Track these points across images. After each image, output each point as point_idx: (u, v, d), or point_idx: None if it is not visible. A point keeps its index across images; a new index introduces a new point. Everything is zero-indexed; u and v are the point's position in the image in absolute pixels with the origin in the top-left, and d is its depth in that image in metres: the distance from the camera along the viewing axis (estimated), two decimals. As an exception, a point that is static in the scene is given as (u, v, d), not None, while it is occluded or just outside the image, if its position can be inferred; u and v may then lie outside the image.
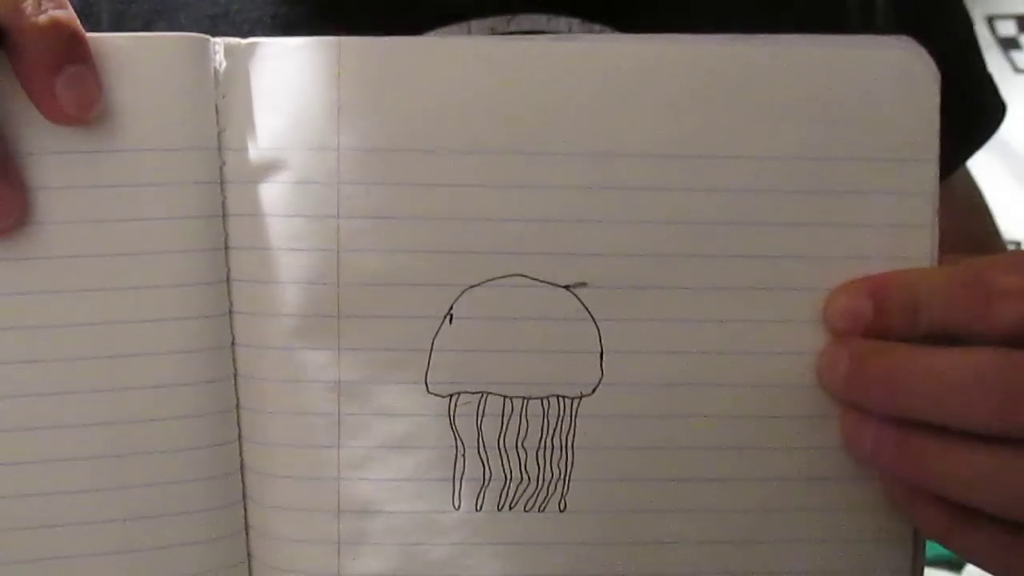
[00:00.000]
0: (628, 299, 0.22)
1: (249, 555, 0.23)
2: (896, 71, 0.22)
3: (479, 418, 0.22)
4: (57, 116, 0.20)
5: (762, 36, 0.22)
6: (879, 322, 0.21)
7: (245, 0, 0.29)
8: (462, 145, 0.21)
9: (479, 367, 0.22)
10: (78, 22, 0.20)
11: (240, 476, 0.23)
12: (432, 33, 0.28)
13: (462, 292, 0.22)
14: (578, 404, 0.22)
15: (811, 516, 0.23)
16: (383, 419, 0.22)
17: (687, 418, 0.22)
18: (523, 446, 0.22)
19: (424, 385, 0.22)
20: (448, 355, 0.22)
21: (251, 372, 0.22)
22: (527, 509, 0.23)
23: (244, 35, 0.28)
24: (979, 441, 0.19)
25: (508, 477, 0.22)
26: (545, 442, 0.22)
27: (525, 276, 0.22)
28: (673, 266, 0.22)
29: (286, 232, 0.21)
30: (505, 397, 0.22)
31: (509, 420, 0.22)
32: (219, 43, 0.22)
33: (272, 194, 0.22)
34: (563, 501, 0.23)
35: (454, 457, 0.22)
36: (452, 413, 0.22)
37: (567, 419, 0.22)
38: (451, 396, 0.22)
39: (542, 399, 0.22)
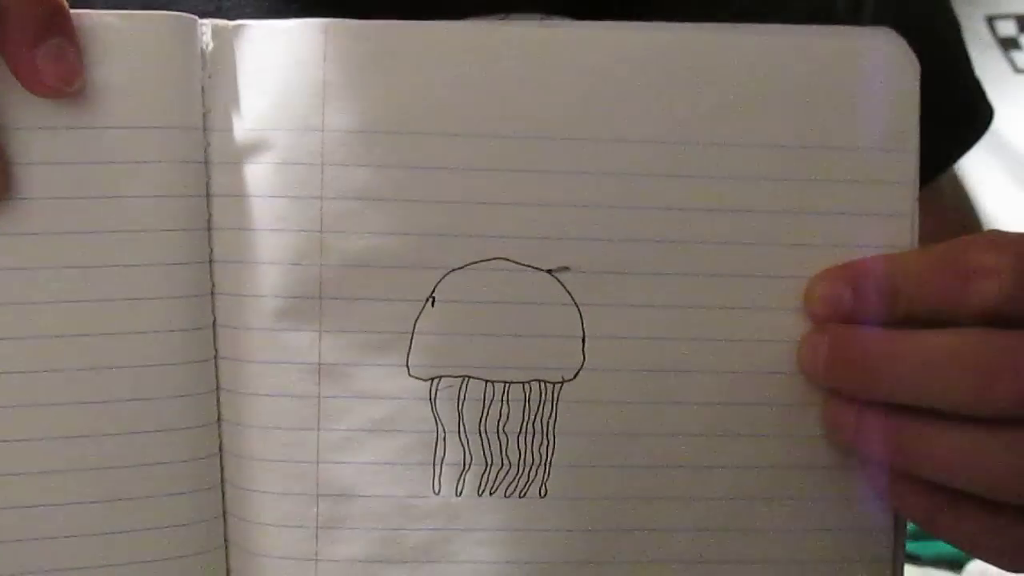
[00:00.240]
0: (611, 284, 0.22)
1: (226, 539, 0.23)
2: (877, 61, 0.22)
3: (460, 402, 0.22)
4: (38, 88, 0.20)
5: (746, 25, 0.22)
6: (859, 308, 0.21)
7: None
8: (446, 128, 0.21)
9: (461, 351, 0.22)
10: None
11: (219, 459, 0.22)
12: None
13: (444, 275, 0.22)
14: (560, 389, 0.22)
15: (792, 504, 0.23)
16: (363, 402, 0.22)
17: (669, 404, 0.22)
18: (504, 431, 0.22)
19: (405, 368, 0.22)
20: (430, 338, 0.22)
21: (232, 353, 0.22)
22: (508, 495, 0.22)
23: None
24: (959, 422, 0.19)
25: (489, 462, 0.22)
26: (526, 427, 0.22)
27: (508, 260, 0.22)
28: (656, 252, 0.22)
29: (270, 213, 0.21)
30: (486, 381, 0.22)
31: (490, 404, 0.22)
32: (206, 24, 0.22)
33: (256, 175, 0.22)
34: (544, 487, 0.22)
35: (434, 441, 0.22)
36: (433, 397, 0.22)
37: (548, 404, 0.22)
38: (432, 380, 0.22)
39: (524, 384, 0.22)
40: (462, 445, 0.22)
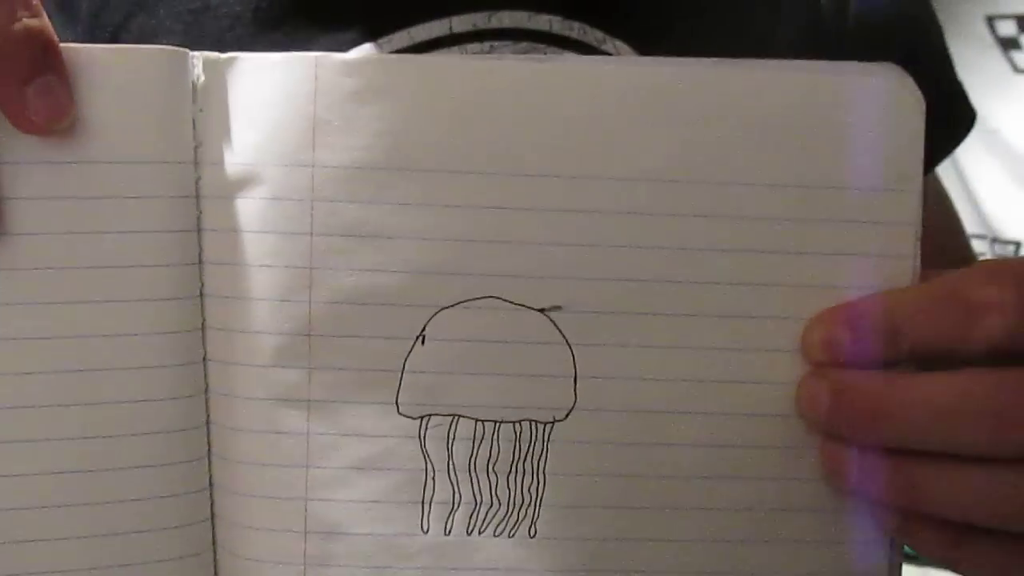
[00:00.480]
0: (604, 324, 0.22)
1: (216, 574, 0.23)
2: (881, 99, 0.21)
3: (450, 441, 0.22)
4: (27, 126, 0.19)
5: (747, 61, 0.22)
6: (858, 350, 0.20)
7: None
8: (438, 165, 0.21)
9: (451, 389, 0.22)
10: (52, 31, 0.19)
11: (209, 494, 0.22)
12: (414, 29, 0.27)
13: (435, 313, 0.21)
14: (551, 429, 0.22)
15: (787, 546, 0.23)
16: (353, 440, 0.22)
17: (661, 446, 0.22)
18: (494, 470, 0.22)
19: (395, 406, 0.22)
20: (420, 376, 0.22)
21: (222, 388, 0.22)
22: (497, 534, 0.22)
23: (225, 30, 0.28)
24: (972, 461, 0.19)
25: (478, 501, 0.22)
26: (516, 466, 0.22)
27: (500, 298, 0.21)
28: (650, 291, 0.22)
29: (259, 248, 0.21)
30: (477, 420, 0.22)
31: (480, 443, 0.22)
32: (197, 56, 0.22)
33: (247, 209, 0.21)
34: (533, 527, 0.22)
35: (424, 480, 0.22)
36: (423, 435, 0.22)
37: (539, 444, 0.22)
38: (422, 418, 0.22)
39: (514, 423, 0.22)
40: (451, 484, 0.22)
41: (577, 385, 0.22)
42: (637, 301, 0.22)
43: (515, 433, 0.22)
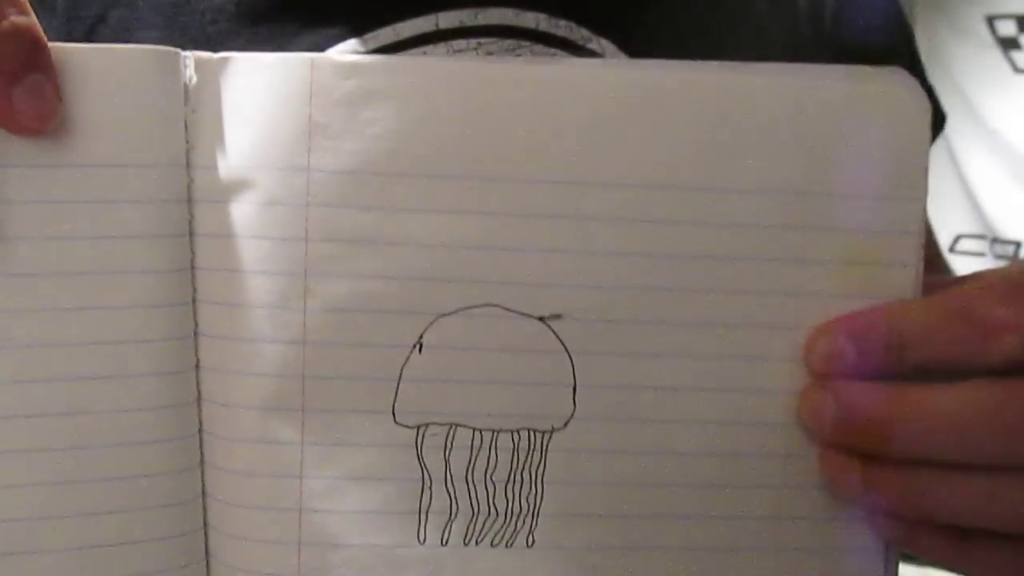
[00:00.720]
0: (603, 332, 0.21)
1: (209, 584, 0.22)
2: (887, 105, 0.21)
3: (447, 450, 0.22)
4: (14, 127, 0.19)
5: (750, 64, 0.22)
6: (862, 363, 0.20)
7: None
8: (436, 170, 0.21)
9: (449, 398, 0.21)
10: (40, 29, 0.19)
11: (202, 503, 0.22)
12: (400, 25, 0.27)
13: (433, 321, 0.21)
14: (549, 438, 0.22)
15: (784, 556, 0.22)
16: (348, 449, 0.21)
17: (660, 454, 0.22)
18: (492, 479, 0.22)
19: (391, 415, 0.21)
20: (417, 385, 0.21)
21: (215, 397, 0.22)
22: (494, 544, 0.22)
23: (207, 24, 0.27)
24: (979, 468, 0.19)
25: (475, 511, 0.22)
26: (514, 476, 0.22)
27: (499, 306, 0.21)
28: (650, 300, 0.21)
29: (253, 254, 0.21)
30: (475, 429, 0.21)
31: (478, 453, 0.22)
32: (189, 57, 0.21)
33: (240, 214, 0.21)
34: (531, 536, 0.22)
35: (420, 490, 0.22)
36: (419, 445, 0.21)
37: (538, 453, 0.22)
38: (419, 427, 0.21)
39: (512, 432, 0.22)
40: (448, 493, 0.22)
41: (576, 394, 0.21)
42: (636, 309, 0.21)
43: (513, 442, 0.22)
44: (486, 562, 0.22)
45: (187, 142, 0.21)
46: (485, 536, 0.22)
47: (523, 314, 0.21)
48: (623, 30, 0.28)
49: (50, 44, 0.19)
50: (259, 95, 0.21)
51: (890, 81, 0.21)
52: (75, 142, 0.20)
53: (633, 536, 0.22)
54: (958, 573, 0.21)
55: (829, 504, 0.22)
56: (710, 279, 0.21)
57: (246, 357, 0.21)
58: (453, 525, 0.22)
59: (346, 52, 0.27)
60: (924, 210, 0.21)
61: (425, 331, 0.21)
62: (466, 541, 0.22)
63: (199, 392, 0.22)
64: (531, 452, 0.22)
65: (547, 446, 0.22)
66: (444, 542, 0.22)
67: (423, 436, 0.21)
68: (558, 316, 0.21)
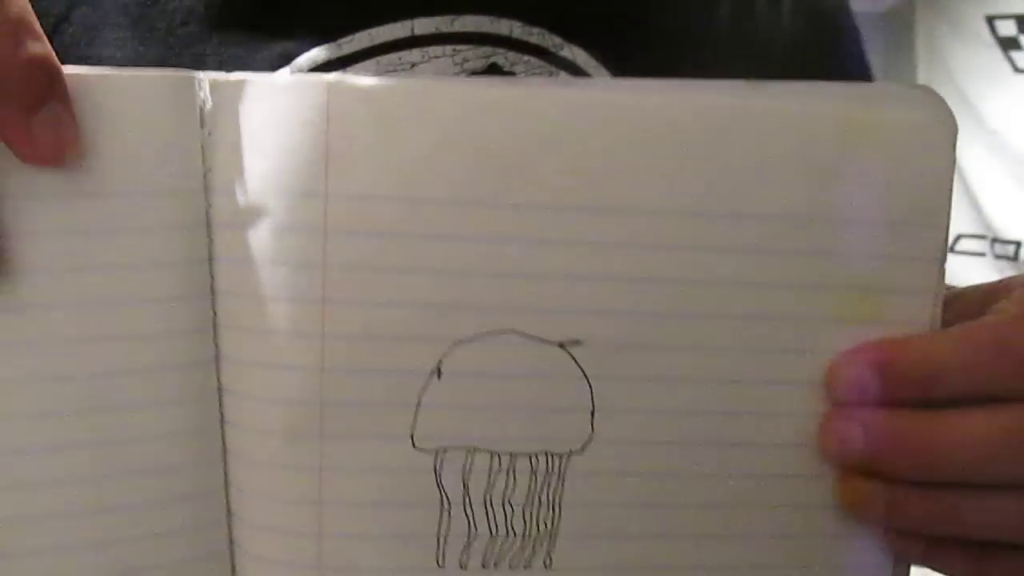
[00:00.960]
0: (622, 357, 0.21)
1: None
2: (912, 128, 0.21)
3: (465, 474, 0.22)
4: (32, 158, 0.19)
5: (769, 84, 0.21)
6: (889, 392, 0.20)
7: None
8: (454, 195, 0.21)
9: (467, 423, 0.21)
10: (55, 57, 0.19)
11: (228, 524, 0.22)
12: (375, 30, 0.27)
13: (451, 347, 0.21)
14: (567, 461, 0.22)
15: (795, 573, 0.23)
16: (367, 474, 0.21)
17: (677, 476, 0.22)
18: (510, 502, 0.22)
19: (410, 441, 0.21)
20: (435, 411, 0.21)
21: (237, 420, 0.22)
22: (512, 566, 0.22)
23: (176, 25, 0.26)
24: (1016, 489, 0.19)
25: (494, 533, 0.22)
26: (532, 498, 0.22)
27: (517, 332, 0.21)
28: (667, 325, 0.21)
29: (272, 280, 0.21)
30: (493, 453, 0.22)
31: (496, 476, 0.22)
32: (204, 80, 0.21)
33: (258, 239, 0.21)
34: (549, 558, 0.22)
35: (439, 513, 0.22)
36: (438, 469, 0.21)
37: (555, 476, 0.22)
38: (437, 452, 0.21)
39: (531, 456, 0.22)
40: (467, 517, 0.22)
41: (594, 418, 0.21)
42: (654, 334, 0.21)
43: (531, 465, 0.22)
44: None
45: (204, 166, 0.21)
46: (504, 558, 0.22)
47: (542, 340, 0.21)
48: (592, 37, 0.28)
49: (64, 70, 0.19)
50: (275, 119, 0.21)
51: (914, 101, 0.21)
52: (89, 170, 0.20)
53: (650, 556, 0.22)
54: None
55: (841, 522, 0.22)
56: (728, 305, 0.21)
57: (265, 383, 0.21)
58: (472, 548, 0.22)
59: (318, 58, 0.27)
60: (945, 237, 0.21)
61: (443, 357, 0.21)
62: (485, 564, 0.22)
63: (221, 415, 0.22)
64: (549, 475, 0.22)
65: (565, 469, 0.22)
66: (463, 565, 0.22)
67: (441, 460, 0.21)
68: (577, 342, 0.21)
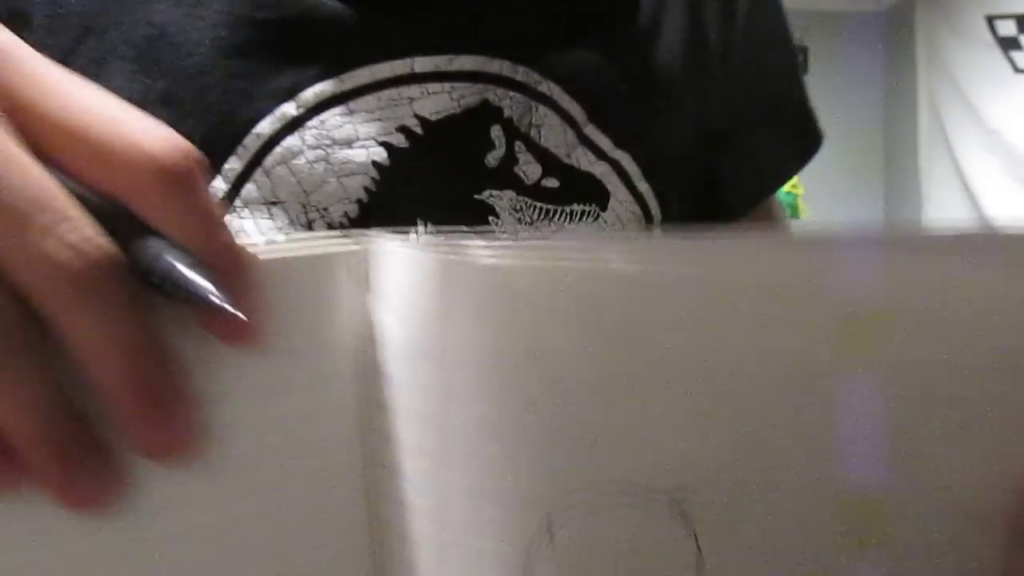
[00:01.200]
0: (729, 509, 0.22)
1: None
2: None
3: None
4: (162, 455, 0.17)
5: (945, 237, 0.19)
6: None
7: (184, 22, 0.27)
8: (566, 358, 0.22)
9: None
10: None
11: None
12: (376, 67, 0.27)
13: (558, 510, 0.22)
14: None
15: None
16: None
17: None
18: None
19: None
20: (544, 568, 0.23)
21: (407, 560, 0.23)
22: None
23: (182, 57, 0.27)
24: None
25: None
26: None
27: (624, 489, 0.22)
28: (779, 476, 0.22)
29: (411, 430, 0.22)
30: None
31: None
32: (368, 243, 0.22)
33: (398, 392, 0.22)
34: None
35: None
36: None
37: None
38: None
39: None
40: None
41: (702, 570, 0.23)
42: (763, 488, 0.22)
43: None
44: None
45: (366, 323, 0.22)
46: None
47: (648, 495, 0.22)
48: (562, 74, 0.30)
49: (257, 255, 0.18)
50: (410, 284, 0.22)
51: None
52: (277, 336, 0.21)
53: None
54: None
55: None
56: (847, 454, 0.22)
57: (403, 533, 0.22)
58: None
59: (323, 93, 0.27)
60: None
61: (551, 517, 0.22)
62: None
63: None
64: None
65: None
66: None
67: None
68: (684, 492, 0.22)
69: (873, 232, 0.20)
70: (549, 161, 0.30)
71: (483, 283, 0.22)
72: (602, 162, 0.31)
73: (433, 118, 0.28)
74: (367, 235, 0.22)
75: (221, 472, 0.20)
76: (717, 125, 0.34)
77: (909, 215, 2.25)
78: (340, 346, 0.22)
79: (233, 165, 0.26)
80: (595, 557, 0.22)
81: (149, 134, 0.14)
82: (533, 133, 0.30)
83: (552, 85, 0.30)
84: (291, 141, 0.27)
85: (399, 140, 0.28)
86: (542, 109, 0.29)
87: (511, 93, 0.29)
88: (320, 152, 0.27)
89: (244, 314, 0.18)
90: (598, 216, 0.31)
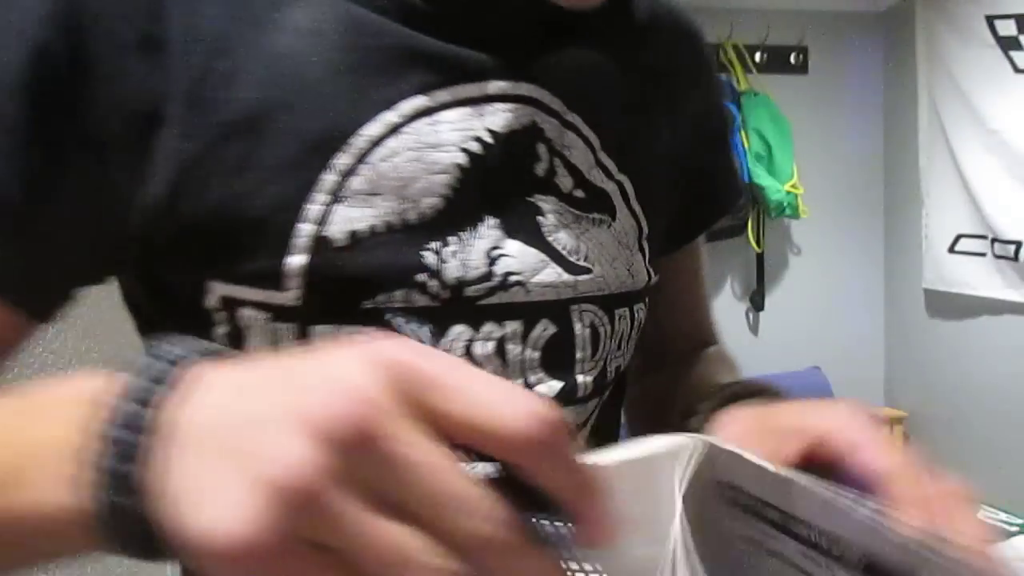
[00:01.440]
0: None
1: None
2: None
3: None
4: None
5: None
6: None
7: (305, 47, 0.31)
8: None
9: None
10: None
11: None
12: (458, 88, 0.33)
13: None
14: None
15: None
16: None
17: None
18: None
19: None
20: None
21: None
22: None
23: (304, 74, 0.31)
24: None
25: None
26: None
27: None
28: None
29: None
30: None
31: None
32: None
33: None
34: None
35: None
36: None
37: None
38: None
39: None
40: None
41: None
42: None
43: None
44: None
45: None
46: None
47: None
48: (586, 108, 0.36)
49: (595, 468, 0.19)
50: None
51: None
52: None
53: None
54: None
55: None
56: None
57: None
58: None
59: (419, 105, 0.32)
60: None
61: None
62: None
63: None
64: None
65: None
66: None
67: None
68: None
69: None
70: (577, 176, 0.36)
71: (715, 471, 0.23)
72: (611, 182, 0.37)
73: (501, 131, 0.33)
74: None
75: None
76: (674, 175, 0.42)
77: (909, 215, 2.26)
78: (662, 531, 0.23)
79: (343, 160, 0.31)
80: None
81: (520, 412, 0.18)
82: (566, 152, 0.36)
83: (575, 116, 0.36)
84: (392, 143, 0.31)
85: (475, 147, 0.33)
86: (570, 134, 0.36)
87: (550, 118, 0.35)
88: (414, 153, 0.32)
89: (598, 524, 0.20)
90: (610, 225, 0.37)
